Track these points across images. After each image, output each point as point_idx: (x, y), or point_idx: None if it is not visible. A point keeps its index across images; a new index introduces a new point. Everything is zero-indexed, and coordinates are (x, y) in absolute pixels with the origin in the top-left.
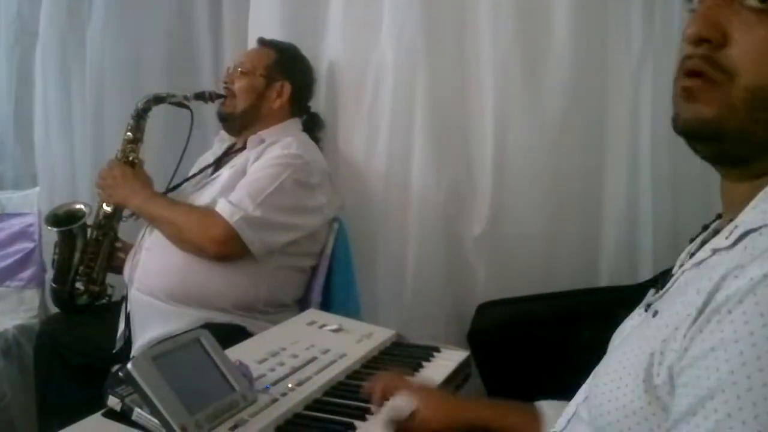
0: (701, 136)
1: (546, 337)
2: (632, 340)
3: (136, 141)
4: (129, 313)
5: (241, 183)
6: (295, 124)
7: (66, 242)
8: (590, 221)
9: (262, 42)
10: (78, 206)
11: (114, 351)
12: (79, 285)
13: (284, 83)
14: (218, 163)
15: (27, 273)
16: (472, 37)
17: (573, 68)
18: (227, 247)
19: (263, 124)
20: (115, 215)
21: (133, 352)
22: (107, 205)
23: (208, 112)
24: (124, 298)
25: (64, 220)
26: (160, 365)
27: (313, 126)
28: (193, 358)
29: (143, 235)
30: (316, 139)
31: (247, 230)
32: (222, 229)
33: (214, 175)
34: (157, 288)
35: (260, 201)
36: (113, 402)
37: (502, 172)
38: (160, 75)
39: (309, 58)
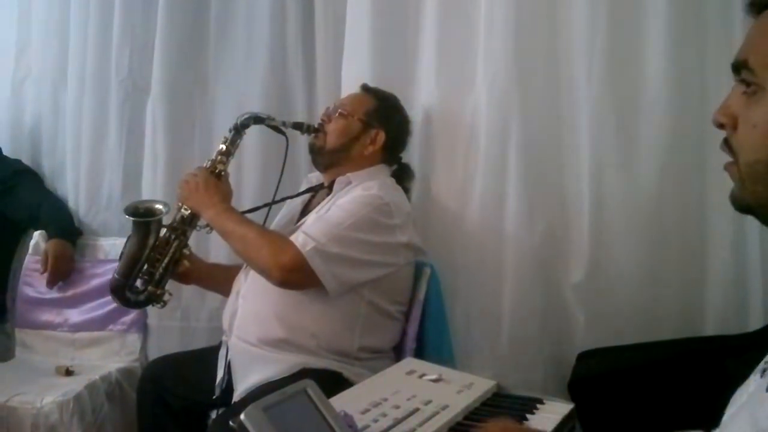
0: (740, 210)
1: (650, 388)
2: (745, 414)
3: (227, 154)
4: (229, 361)
5: (319, 217)
6: (383, 170)
7: (138, 236)
8: (694, 267)
9: (366, 88)
10: (158, 205)
11: (214, 397)
12: (138, 283)
13: (379, 131)
14: (305, 208)
15: (129, 317)
16: (566, 79)
17: (670, 108)
18: (293, 276)
19: (351, 166)
20: (191, 221)
21: (235, 398)
22: (185, 209)
23: (300, 145)
24: (222, 345)
25: (142, 214)
26: (271, 416)
27: (402, 176)
28: (302, 409)
29: (239, 284)
30: (406, 190)
31: (317, 260)
32: (291, 257)
33: (301, 221)
34: (254, 335)
35: (334, 234)
36: None
37: (599, 216)
38: (260, 127)
39: (402, 104)
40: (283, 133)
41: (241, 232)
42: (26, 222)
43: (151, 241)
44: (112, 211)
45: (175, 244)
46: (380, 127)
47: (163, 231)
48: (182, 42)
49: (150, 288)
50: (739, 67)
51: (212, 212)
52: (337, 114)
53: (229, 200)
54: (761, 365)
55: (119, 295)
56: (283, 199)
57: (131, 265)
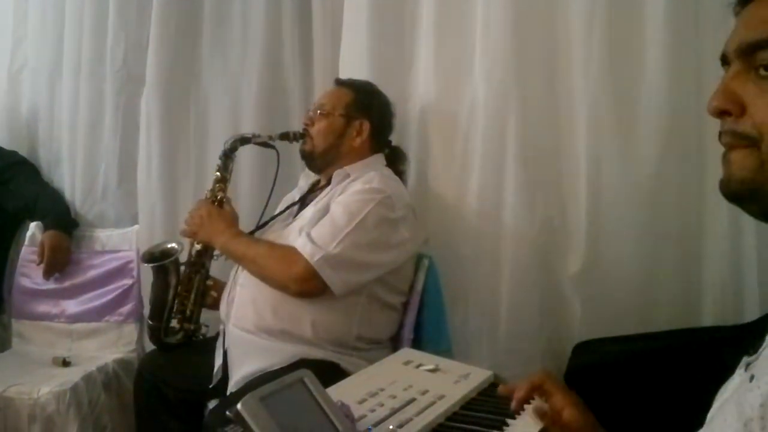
0: (739, 198)
1: (647, 379)
2: (730, 406)
3: (223, 180)
4: (225, 349)
5: (323, 219)
6: (378, 160)
7: (160, 279)
8: (691, 259)
9: (340, 82)
10: (171, 245)
11: (210, 386)
12: (174, 323)
13: (363, 121)
14: (303, 201)
15: (126, 308)
16: (564, 70)
17: (667, 99)
18: (308, 285)
19: (345, 161)
20: (206, 253)
21: (230, 388)
22: (197, 244)
23: (295, 149)
24: (220, 334)
25: (159, 258)
26: (268, 406)
27: (395, 159)
28: (299, 398)
29: (236, 272)
30: (400, 173)
31: (327, 270)
32: (302, 268)
33: (300, 214)
34: (252, 324)
35: (341, 239)
36: None
37: (597, 207)
38: (256, 119)
39: (399, 96)
40: (272, 147)
41: (252, 254)
42: (23, 213)
43: (173, 281)
44: (108, 202)
45: (197, 278)
46: (363, 117)
47: (182, 268)
48: (177, 33)
49: (185, 325)
50: (747, 51)
51: (221, 240)
52: (318, 114)
53: (235, 225)
54: (744, 360)
55: (158, 341)
56: (288, 208)
57: (161, 307)
